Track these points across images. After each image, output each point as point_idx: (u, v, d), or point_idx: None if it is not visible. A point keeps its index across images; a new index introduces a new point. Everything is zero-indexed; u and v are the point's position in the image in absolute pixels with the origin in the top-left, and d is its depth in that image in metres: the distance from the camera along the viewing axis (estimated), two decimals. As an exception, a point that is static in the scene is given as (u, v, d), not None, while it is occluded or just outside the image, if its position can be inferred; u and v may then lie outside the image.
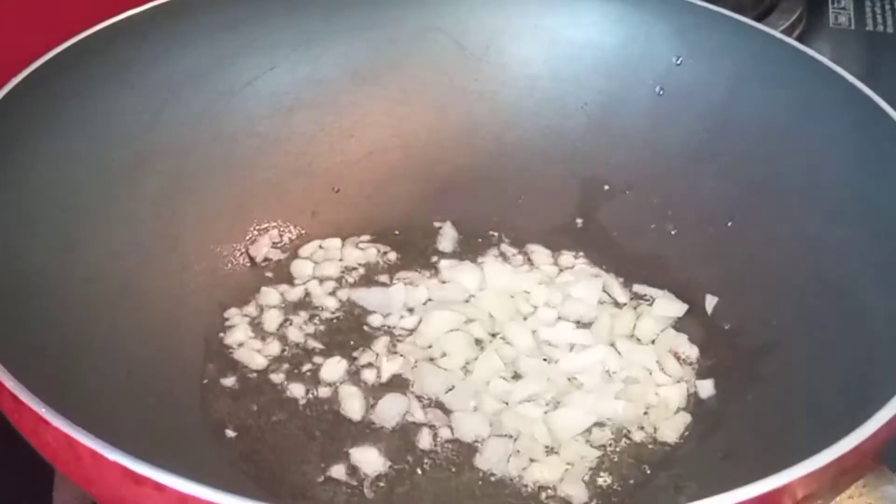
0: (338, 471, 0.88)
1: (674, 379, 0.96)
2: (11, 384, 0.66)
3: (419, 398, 0.94)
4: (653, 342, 0.99)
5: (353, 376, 0.96)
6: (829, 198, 0.94)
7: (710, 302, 1.00)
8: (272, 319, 1.01)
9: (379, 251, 1.08)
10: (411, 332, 1.00)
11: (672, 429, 0.91)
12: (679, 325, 1.01)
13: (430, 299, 1.03)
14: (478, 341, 0.99)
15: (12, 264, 0.82)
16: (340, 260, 1.07)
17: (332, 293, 1.04)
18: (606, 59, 1.09)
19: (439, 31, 1.10)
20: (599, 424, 0.91)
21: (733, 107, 1.02)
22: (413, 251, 1.08)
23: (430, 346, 0.98)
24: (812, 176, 0.96)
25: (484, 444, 0.90)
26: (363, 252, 1.08)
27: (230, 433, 0.90)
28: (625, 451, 0.90)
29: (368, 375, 0.96)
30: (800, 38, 1.30)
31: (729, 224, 1.02)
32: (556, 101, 1.10)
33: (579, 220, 1.09)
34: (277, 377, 0.96)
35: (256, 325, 1.00)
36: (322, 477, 0.88)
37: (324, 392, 0.94)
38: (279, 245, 1.07)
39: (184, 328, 0.98)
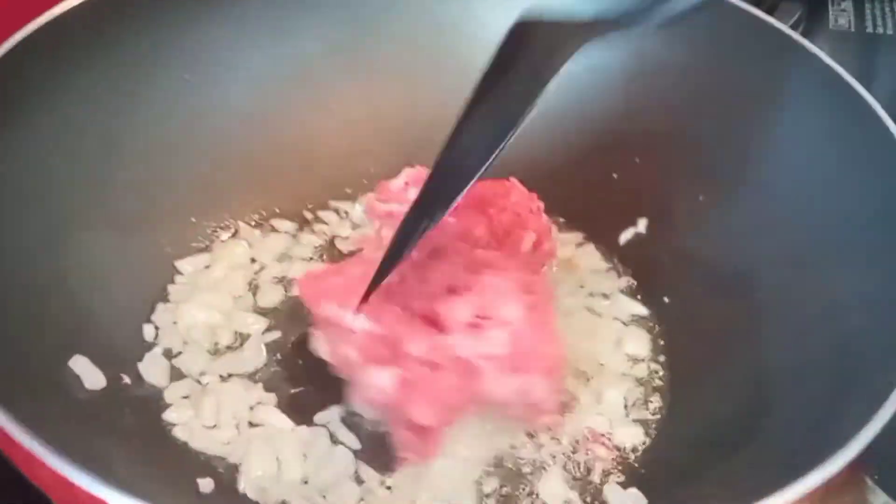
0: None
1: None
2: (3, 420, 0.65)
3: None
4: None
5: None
6: (802, 182, 0.95)
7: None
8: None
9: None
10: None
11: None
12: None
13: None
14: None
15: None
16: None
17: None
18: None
19: (411, 4, 1.09)
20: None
21: (707, 83, 1.02)
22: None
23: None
24: (783, 157, 0.97)
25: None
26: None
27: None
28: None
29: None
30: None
31: (700, 198, 1.02)
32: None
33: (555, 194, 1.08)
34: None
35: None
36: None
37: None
38: (255, 221, 1.06)
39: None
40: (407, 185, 0.97)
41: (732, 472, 0.80)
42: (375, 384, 0.84)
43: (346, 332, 0.86)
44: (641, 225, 1.06)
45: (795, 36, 0.98)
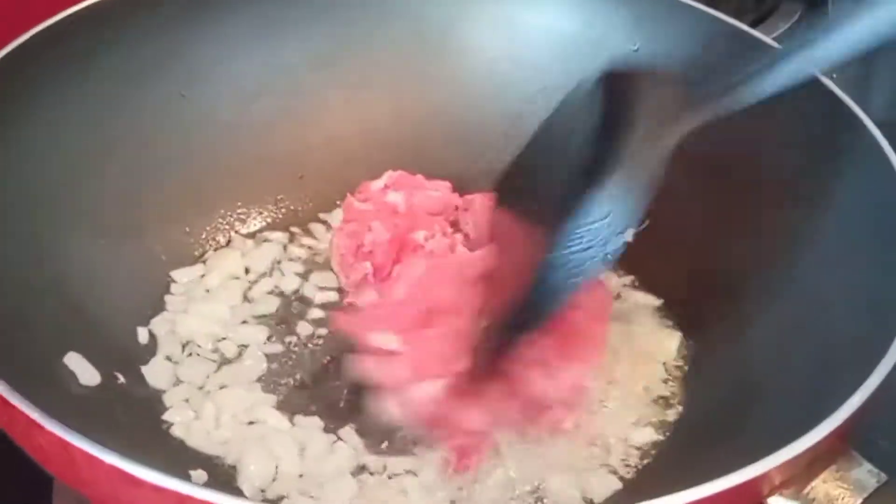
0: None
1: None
2: (2, 388, 0.66)
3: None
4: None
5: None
6: (782, 185, 0.96)
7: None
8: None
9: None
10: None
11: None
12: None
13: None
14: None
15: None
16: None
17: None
18: (564, 44, 1.10)
19: (397, 16, 1.11)
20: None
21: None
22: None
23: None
24: (766, 163, 0.98)
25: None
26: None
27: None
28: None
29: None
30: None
31: (685, 206, 1.03)
32: (515, 85, 1.11)
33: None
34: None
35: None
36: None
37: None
38: (246, 231, 1.08)
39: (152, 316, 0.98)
40: (386, 188, 1.00)
41: (724, 457, 0.80)
42: (425, 396, 0.85)
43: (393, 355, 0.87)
44: (628, 233, 1.07)
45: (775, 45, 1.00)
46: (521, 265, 0.77)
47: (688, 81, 0.74)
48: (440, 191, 1.06)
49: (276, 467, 0.87)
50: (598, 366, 0.93)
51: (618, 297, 1.04)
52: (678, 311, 1.02)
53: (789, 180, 0.96)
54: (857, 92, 0.92)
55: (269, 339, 0.99)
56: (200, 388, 0.93)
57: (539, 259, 0.74)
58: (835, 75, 0.94)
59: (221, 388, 0.93)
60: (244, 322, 1.00)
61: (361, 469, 0.88)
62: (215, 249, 1.06)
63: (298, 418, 0.91)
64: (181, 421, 0.90)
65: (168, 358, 0.95)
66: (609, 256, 0.74)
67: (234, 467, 0.87)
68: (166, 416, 0.90)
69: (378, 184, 1.02)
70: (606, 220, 0.72)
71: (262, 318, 1.00)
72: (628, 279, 1.06)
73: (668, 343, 0.99)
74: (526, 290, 0.75)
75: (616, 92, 0.72)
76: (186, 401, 0.92)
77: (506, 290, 0.79)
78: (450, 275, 0.90)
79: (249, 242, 1.07)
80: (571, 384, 0.87)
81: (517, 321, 0.78)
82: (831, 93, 0.94)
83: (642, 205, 0.73)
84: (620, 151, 0.71)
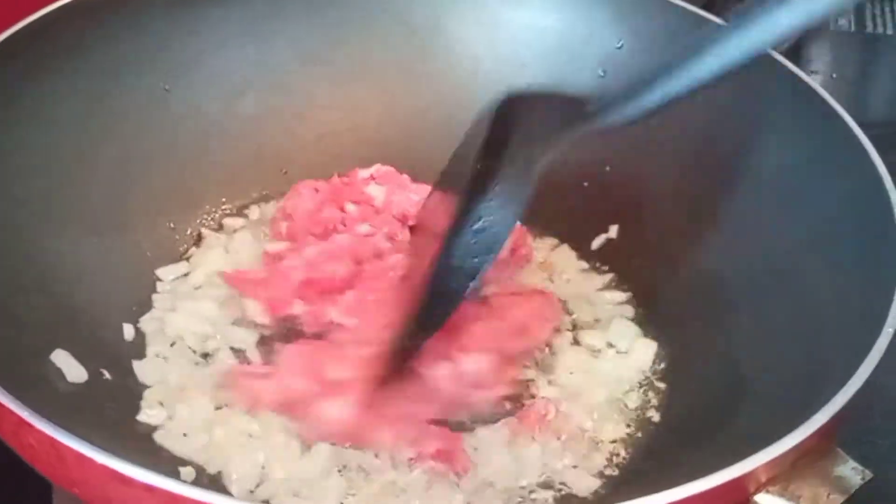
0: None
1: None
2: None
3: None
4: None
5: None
6: (771, 182, 0.97)
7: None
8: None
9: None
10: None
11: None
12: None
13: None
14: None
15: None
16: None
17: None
18: (549, 41, 1.11)
19: (386, 12, 1.11)
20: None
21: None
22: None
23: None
24: (754, 160, 0.99)
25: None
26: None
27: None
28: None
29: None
30: (800, 41, 1.31)
31: (670, 204, 1.04)
32: (502, 82, 1.09)
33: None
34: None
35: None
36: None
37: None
38: (229, 228, 1.07)
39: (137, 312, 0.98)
40: (371, 179, 1.02)
41: (710, 455, 0.81)
42: (331, 417, 0.87)
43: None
44: (613, 231, 1.08)
45: (777, 56, 0.99)
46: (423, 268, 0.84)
47: (576, 101, 0.81)
48: (420, 195, 1.06)
49: (263, 471, 0.86)
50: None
51: (594, 302, 1.05)
52: (660, 310, 1.02)
53: (772, 178, 0.97)
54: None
55: (261, 338, 0.98)
56: (182, 388, 0.92)
57: (434, 261, 0.82)
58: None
59: (205, 387, 0.92)
60: (232, 319, 0.99)
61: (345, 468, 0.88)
62: (199, 246, 1.05)
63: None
64: (161, 425, 0.89)
65: (158, 355, 0.95)
66: (488, 263, 0.81)
67: (221, 472, 0.87)
68: (140, 417, 0.89)
69: (364, 173, 1.03)
70: (490, 221, 0.81)
71: (250, 316, 0.99)
72: (609, 277, 1.07)
73: (648, 344, 1.00)
74: (423, 292, 0.83)
75: (505, 115, 0.81)
76: (161, 404, 0.91)
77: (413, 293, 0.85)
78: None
79: (234, 238, 1.06)
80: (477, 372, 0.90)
81: (419, 322, 0.84)
82: (814, 91, 0.95)
83: (517, 214, 0.83)
84: (497, 169, 0.80)
